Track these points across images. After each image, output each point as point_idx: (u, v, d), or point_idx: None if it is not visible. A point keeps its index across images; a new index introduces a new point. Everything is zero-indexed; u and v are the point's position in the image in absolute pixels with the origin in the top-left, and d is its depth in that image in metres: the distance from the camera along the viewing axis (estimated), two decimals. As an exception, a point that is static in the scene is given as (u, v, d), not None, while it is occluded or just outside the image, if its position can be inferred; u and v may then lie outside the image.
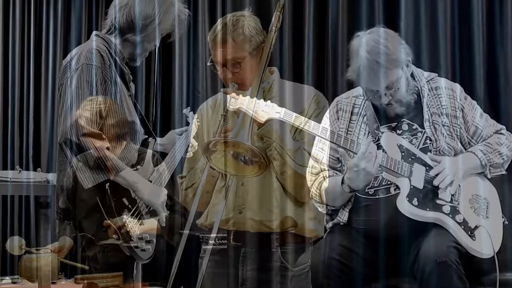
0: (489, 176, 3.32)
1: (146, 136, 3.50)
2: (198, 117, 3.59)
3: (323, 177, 3.34)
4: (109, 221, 3.25)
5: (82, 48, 3.36)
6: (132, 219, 3.28)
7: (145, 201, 3.32)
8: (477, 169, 3.30)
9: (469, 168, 3.28)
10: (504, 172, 3.36)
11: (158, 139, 3.61)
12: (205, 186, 3.42)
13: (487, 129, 3.37)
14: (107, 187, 3.25)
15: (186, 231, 3.15)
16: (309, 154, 3.39)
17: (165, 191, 3.39)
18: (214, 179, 3.46)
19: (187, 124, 3.62)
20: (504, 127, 3.42)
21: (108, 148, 3.23)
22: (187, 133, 3.61)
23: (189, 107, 3.69)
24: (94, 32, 3.44)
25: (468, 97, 3.39)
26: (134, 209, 3.33)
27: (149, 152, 3.45)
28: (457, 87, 3.38)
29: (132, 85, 3.49)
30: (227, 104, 3.15)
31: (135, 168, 3.36)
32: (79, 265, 3.40)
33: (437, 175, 3.21)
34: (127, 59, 3.43)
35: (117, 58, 3.36)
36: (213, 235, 3.17)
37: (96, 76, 3.26)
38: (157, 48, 3.67)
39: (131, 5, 3.37)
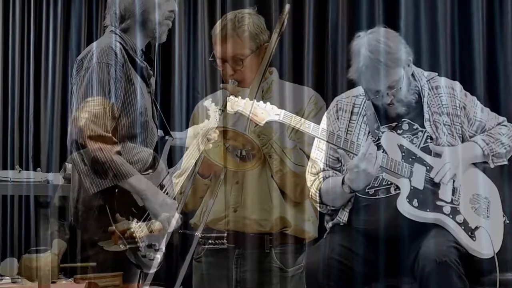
0: (492, 166, 3.32)
1: (163, 135, 3.41)
2: (196, 113, 3.57)
3: (323, 177, 3.34)
4: (113, 228, 3.18)
5: (95, 46, 3.23)
6: (138, 223, 3.21)
7: (151, 212, 3.22)
8: (478, 158, 3.30)
9: (471, 157, 3.29)
10: (506, 162, 3.36)
11: (177, 133, 3.51)
12: (198, 193, 3.40)
13: (489, 122, 3.38)
14: (116, 193, 3.17)
15: (198, 233, 3.12)
16: (305, 153, 3.39)
17: (175, 205, 3.24)
18: (206, 186, 3.44)
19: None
20: (505, 118, 3.43)
21: (118, 152, 3.13)
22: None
23: (210, 99, 3.53)
24: (108, 28, 3.35)
25: (468, 94, 3.40)
26: (143, 219, 3.25)
27: (165, 153, 3.36)
28: (457, 85, 3.39)
29: (152, 80, 3.40)
30: (227, 107, 3.14)
31: (147, 173, 3.27)
32: (80, 264, 3.37)
33: (437, 173, 3.21)
34: (151, 37, 3.33)
35: (132, 54, 3.25)
36: (198, 234, 3.13)
37: (109, 75, 3.14)
38: (156, 48, 3.63)
39: None
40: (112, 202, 3.13)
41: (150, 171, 3.25)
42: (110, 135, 3.10)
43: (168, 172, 3.31)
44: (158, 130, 3.38)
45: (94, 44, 3.26)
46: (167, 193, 3.27)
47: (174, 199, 3.30)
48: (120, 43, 3.23)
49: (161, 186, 3.27)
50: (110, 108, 3.12)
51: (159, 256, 3.20)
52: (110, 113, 3.12)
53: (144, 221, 3.18)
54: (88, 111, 3.09)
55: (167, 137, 3.39)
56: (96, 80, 3.12)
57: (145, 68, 3.29)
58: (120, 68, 3.16)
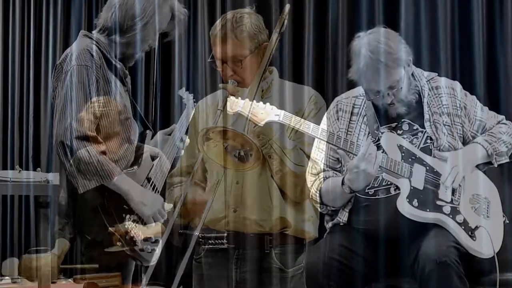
0: (495, 165, 3.32)
1: (143, 129, 3.47)
2: (196, 112, 3.58)
3: (323, 177, 3.34)
4: (112, 229, 3.22)
5: (72, 49, 3.31)
6: (135, 224, 3.25)
7: (136, 211, 3.26)
8: (484, 159, 3.31)
9: (477, 158, 3.29)
10: (508, 160, 3.36)
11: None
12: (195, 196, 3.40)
13: (490, 121, 3.38)
14: (105, 193, 3.21)
15: (196, 233, 3.13)
16: (305, 153, 3.39)
17: (161, 200, 3.33)
18: (202, 190, 3.44)
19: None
20: (504, 117, 3.43)
21: (103, 152, 3.18)
22: (186, 116, 3.59)
23: (184, 87, 3.67)
24: (81, 32, 3.41)
25: (468, 93, 3.40)
26: (135, 214, 3.29)
27: (146, 148, 3.42)
28: (457, 85, 3.39)
29: (128, 80, 3.46)
30: (227, 107, 3.14)
31: (131, 169, 3.32)
32: (80, 265, 3.38)
33: (447, 176, 3.21)
34: (119, 58, 3.40)
35: (108, 55, 3.31)
36: (196, 233, 3.14)
37: (88, 76, 3.21)
38: (156, 48, 3.66)
39: (119, 5, 3.35)
40: (103, 201, 3.17)
41: (136, 167, 3.30)
42: (95, 134, 3.15)
43: (153, 165, 3.35)
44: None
45: (71, 47, 3.33)
46: (154, 185, 3.35)
47: (164, 192, 3.35)
48: (95, 45, 3.28)
49: (148, 179, 3.33)
50: (92, 108, 3.16)
51: (156, 249, 3.25)
52: (92, 113, 3.17)
53: (138, 216, 3.25)
54: (72, 113, 3.15)
55: (147, 131, 3.45)
56: (76, 82, 3.19)
57: (120, 69, 3.35)
58: (98, 69, 3.23)
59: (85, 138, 3.14)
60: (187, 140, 3.54)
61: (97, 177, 3.14)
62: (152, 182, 3.35)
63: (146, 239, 3.24)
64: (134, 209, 3.23)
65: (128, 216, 3.24)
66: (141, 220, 3.28)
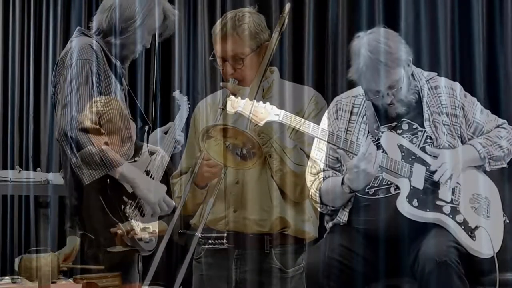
0: (488, 169, 3.32)
1: (142, 125, 3.52)
2: (197, 113, 3.59)
3: (323, 177, 3.34)
4: (115, 229, 3.25)
5: (72, 45, 3.35)
6: (138, 223, 3.28)
7: (142, 198, 3.32)
8: (476, 162, 3.30)
9: (468, 160, 3.28)
10: (505, 165, 3.36)
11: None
12: (195, 199, 3.41)
13: (488, 125, 3.37)
14: (108, 182, 3.25)
15: (198, 234, 3.14)
16: (305, 153, 3.39)
17: (164, 188, 3.38)
18: (202, 195, 3.45)
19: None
20: (505, 121, 3.42)
21: (106, 143, 3.23)
22: (180, 116, 3.66)
23: (178, 89, 3.74)
24: (79, 29, 3.44)
25: (468, 95, 3.40)
26: (135, 205, 3.33)
27: (145, 144, 3.47)
28: (457, 85, 3.39)
29: (123, 80, 3.50)
30: (227, 106, 3.14)
31: (133, 160, 3.36)
32: (93, 267, 3.39)
33: (436, 170, 3.21)
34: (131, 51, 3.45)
35: (108, 53, 3.36)
36: (198, 234, 3.14)
37: (91, 71, 3.26)
38: (156, 48, 3.68)
39: (113, 8, 3.38)
40: (106, 192, 3.20)
41: (137, 157, 3.34)
42: (98, 126, 3.19)
43: (151, 159, 3.39)
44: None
45: (72, 43, 3.38)
46: (153, 178, 3.37)
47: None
48: (96, 41, 3.30)
49: (147, 172, 3.37)
50: (95, 102, 3.20)
51: (153, 239, 3.28)
52: (95, 106, 3.20)
53: (136, 207, 3.29)
54: (75, 106, 3.20)
55: (146, 127, 3.49)
56: (79, 76, 3.24)
57: (119, 66, 3.38)
58: (100, 64, 3.26)
59: (88, 130, 3.18)
60: (181, 140, 3.59)
61: (102, 167, 3.19)
62: (151, 175, 3.40)
63: (144, 228, 3.27)
64: (139, 196, 3.29)
65: (128, 207, 3.28)
66: (140, 211, 3.32)
